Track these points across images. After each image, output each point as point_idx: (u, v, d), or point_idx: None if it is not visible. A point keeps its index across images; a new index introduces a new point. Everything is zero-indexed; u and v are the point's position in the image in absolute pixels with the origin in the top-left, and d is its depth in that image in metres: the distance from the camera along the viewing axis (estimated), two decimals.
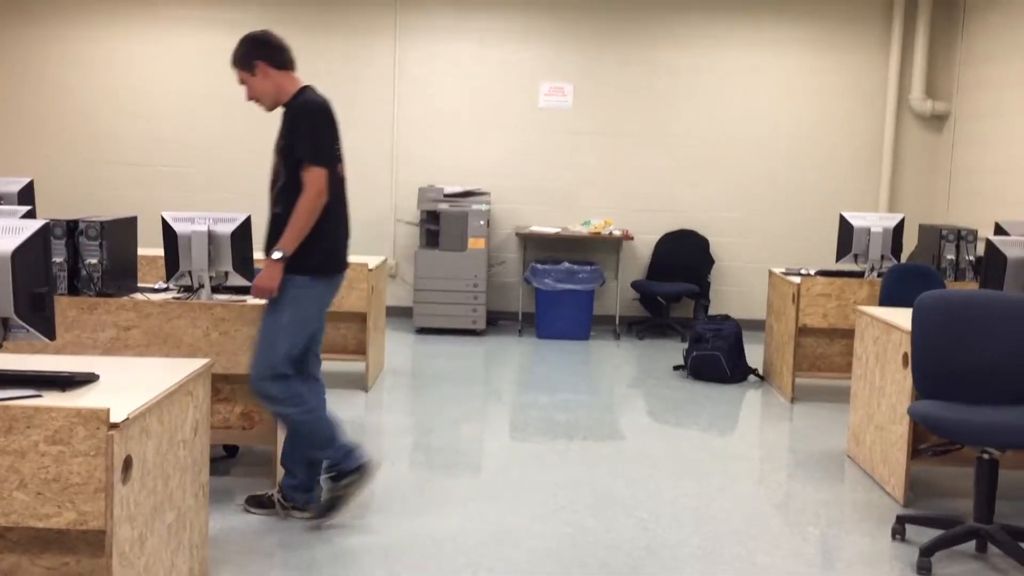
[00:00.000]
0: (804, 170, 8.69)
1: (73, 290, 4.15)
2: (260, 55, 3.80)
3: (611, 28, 8.60)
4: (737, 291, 8.71)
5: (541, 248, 8.61)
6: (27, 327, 2.58)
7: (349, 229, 3.96)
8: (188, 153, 8.61)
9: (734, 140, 8.67)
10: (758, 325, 7.30)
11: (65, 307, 4.06)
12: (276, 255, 3.67)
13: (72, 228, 4.13)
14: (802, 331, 6.08)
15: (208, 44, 8.43)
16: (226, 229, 4.26)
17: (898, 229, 6.12)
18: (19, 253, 2.53)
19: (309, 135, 3.71)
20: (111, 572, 2.42)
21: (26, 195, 5.99)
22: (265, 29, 3.91)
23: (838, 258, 6.24)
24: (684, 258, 8.59)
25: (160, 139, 8.70)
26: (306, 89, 3.85)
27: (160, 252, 4.36)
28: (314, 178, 3.66)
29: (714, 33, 8.59)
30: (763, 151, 8.68)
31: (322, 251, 3.75)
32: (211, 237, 4.23)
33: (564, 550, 3.71)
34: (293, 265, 3.69)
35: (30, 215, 4.38)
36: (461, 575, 3.46)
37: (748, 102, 8.65)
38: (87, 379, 2.79)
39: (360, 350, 6.09)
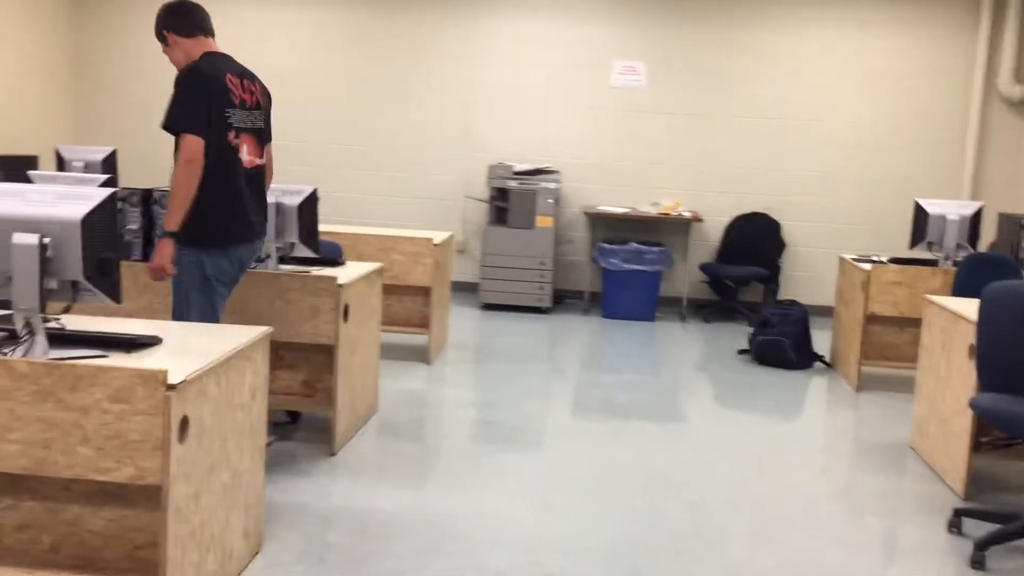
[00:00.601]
0: (883, 154, 8.47)
1: (147, 257, 4.31)
2: (166, 25, 3.84)
3: (686, 6, 8.50)
4: (808, 276, 8.56)
5: (609, 228, 8.58)
6: (95, 290, 2.69)
7: (250, 201, 3.84)
8: None
9: (811, 122, 8.50)
10: (828, 311, 7.18)
11: (138, 272, 4.21)
12: (159, 234, 3.62)
13: (147, 197, 4.30)
14: (871, 319, 5.96)
15: (285, 17, 8.57)
16: (293, 201, 4.38)
17: (975, 217, 5.95)
18: (88, 219, 2.64)
19: (176, 102, 3.69)
20: (167, 526, 2.53)
21: (109, 164, 6.22)
22: None
23: (911, 245, 6.10)
24: (755, 241, 8.48)
25: None
26: (204, 56, 3.79)
27: None
28: (184, 146, 3.60)
29: (793, 12, 8.42)
30: (841, 134, 8.50)
31: (206, 223, 3.66)
32: (279, 209, 4.35)
33: (610, 529, 3.74)
34: (181, 237, 3.64)
35: (110, 183, 4.55)
36: (505, 548, 3.51)
37: (826, 83, 8.46)
38: (150, 342, 2.91)
39: (423, 323, 6.19)
